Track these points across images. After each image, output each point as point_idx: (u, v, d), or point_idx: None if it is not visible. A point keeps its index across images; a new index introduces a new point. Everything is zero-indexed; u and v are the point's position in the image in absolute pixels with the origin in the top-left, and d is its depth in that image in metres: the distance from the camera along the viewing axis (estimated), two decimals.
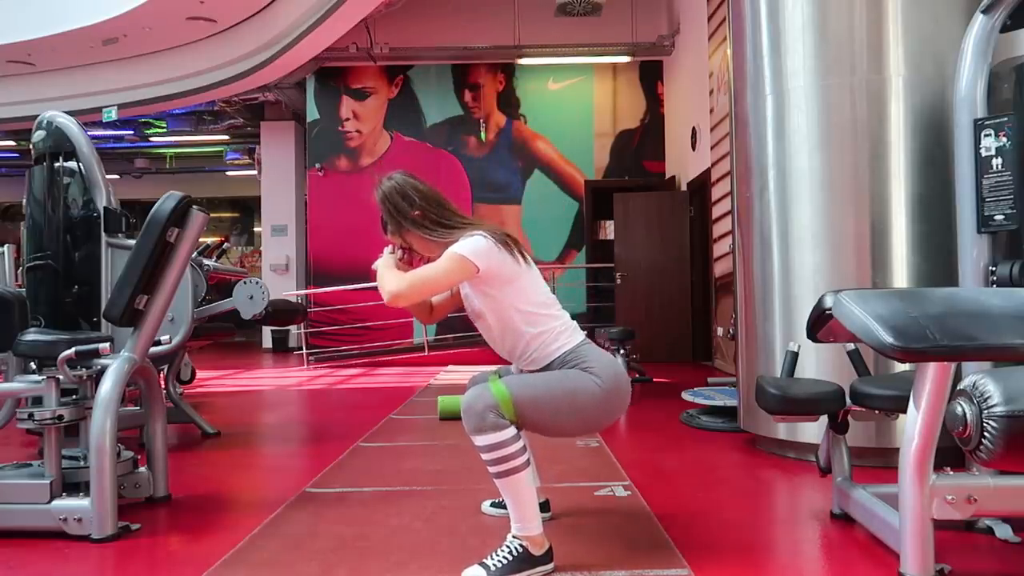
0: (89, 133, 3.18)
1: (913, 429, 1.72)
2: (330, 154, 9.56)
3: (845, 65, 3.08)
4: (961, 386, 1.59)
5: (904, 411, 1.78)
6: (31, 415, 2.23)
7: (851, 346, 2.41)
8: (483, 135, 9.50)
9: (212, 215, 14.03)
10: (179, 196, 2.42)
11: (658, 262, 8.07)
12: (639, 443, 3.67)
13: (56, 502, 2.22)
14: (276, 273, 11.05)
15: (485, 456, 1.81)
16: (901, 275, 2.99)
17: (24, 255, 3.17)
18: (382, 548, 2.09)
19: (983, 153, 2.44)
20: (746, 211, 3.42)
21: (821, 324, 1.98)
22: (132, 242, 2.69)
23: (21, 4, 8.22)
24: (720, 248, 6.68)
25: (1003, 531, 2.06)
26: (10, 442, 3.93)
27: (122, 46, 8.54)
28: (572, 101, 9.56)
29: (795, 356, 2.52)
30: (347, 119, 9.55)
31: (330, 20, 7.46)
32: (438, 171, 9.32)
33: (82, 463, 2.39)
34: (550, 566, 1.85)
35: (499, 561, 1.81)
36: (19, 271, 3.64)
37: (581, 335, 2.01)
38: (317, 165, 9.57)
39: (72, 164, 3.08)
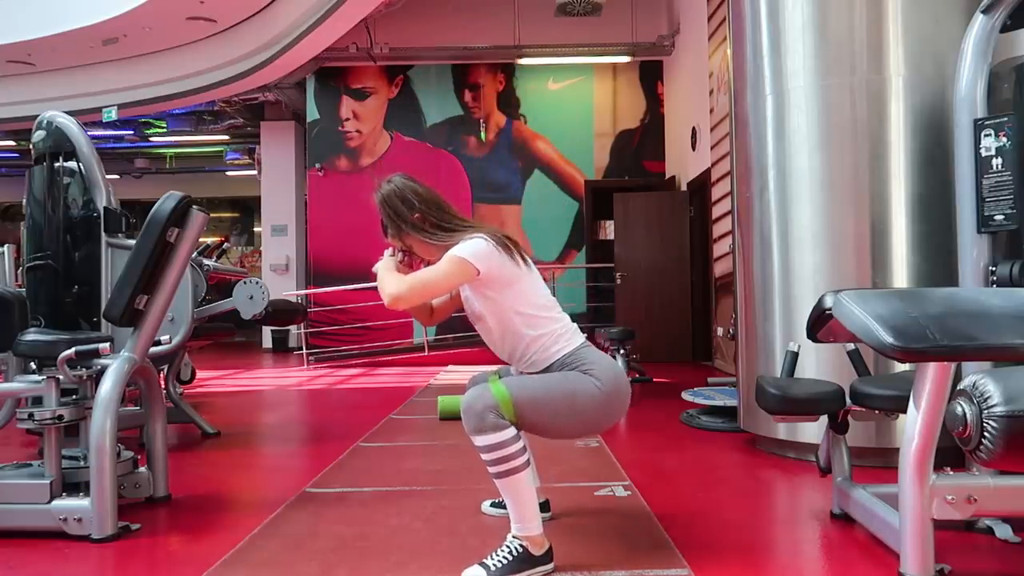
0: (89, 133, 3.18)
1: (913, 429, 1.72)
2: (330, 154, 9.56)
3: (845, 65, 3.08)
4: (961, 386, 1.59)
5: (904, 411, 1.78)
6: (31, 415, 2.23)
7: (851, 346, 2.41)
8: (483, 135, 9.51)
9: (212, 215, 14.05)
10: (179, 196, 2.42)
11: (658, 262, 8.07)
12: (639, 443, 3.67)
13: (56, 502, 2.22)
14: (276, 273, 11.05)
15: (485, 456, 1.81)
16: (901, 275, 2.99)
17: (24, 255, 3.17)
18: (382, 548, 2.09)
19: (983, 153, 2.44)
20: (746, 211, 3.42)
21: (821, 324, 1.98)
22: (132, 242, 2.69)
23: (21, 4, 8.22)
24: (720, 248, 6.68)
25: (1003, 531, 2.06)
26: (10, 442, 3.93)
27: (122, 46, 8.54)
28: (572, 101, 9.56)
29: (795, 356, 2.52)
30: (347, 119, 9.55)
31: (330, 20, 7.46)
32: (438, 171, 9.32)
33: (82, 463, 2.39)
34: (550, 566, 1.86)
35: (499, 561, 1.81)
36: (19, 271, 3.64)
37: (581, 338, 2.01)
38: (317, 165, 9.57)
39: (72, 164, 3.08)
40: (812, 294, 2.89)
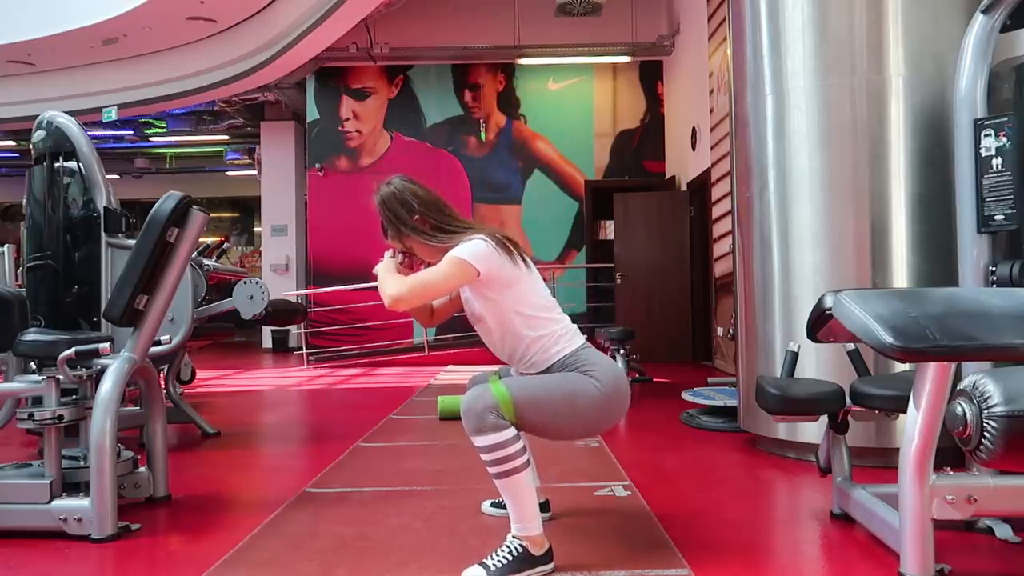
0: (89, 133, 3.18)
1: (913, 429, 1.72)
2: (330, 154, 9.56)
3: (845, 65, 3.08)
4: (961, 386, 1.59)
5: (904, 411, 1.78)
6: (31, 415, 2.23)
7: (851, 346, 2.41)
8: (483, 135, 9.51)
9: (212, 215, 14.04)
10: (179, 196, 2.42)
11: (658, 262, 8.07)
12: (639, 443, 3.67)
13: (56, 502, 2.22)
14: (276, 273, 11.05)
15: (485, 456, 1.81)
16: (901, 275, 2.99)
17: (24, 255, 3.17)
18: (382, 548, 2.09)
19: (983, 153, 2.44)
20: (746, 211, 3.42)
21: (821, 324, 1.98)
22: (132, 242, 2.69)
23: (21, 4, 8.22)
24: (720, 248, 6.68)
25: (1003, 531, 2.06)
26: (10, 442, 3.93)
27: (122, 46, 8.54)
28: (572, 101, 9.56)
29: (795, 356, 2.52)
30: (347, 119, 9.55)
31: (330, 20, 7.46)
32: (438, 171, 9.33)
33: (82, 463, 2.39)
34: (550, 566, 1.86)
35: (499, 561, 1.81)
36: (19, 271, 3.64)
37: (581, 339, 2.01)
38: (317, 165, 9.57)
39: (72, 164, 3.08)
40: (812, 294, 2.89)
